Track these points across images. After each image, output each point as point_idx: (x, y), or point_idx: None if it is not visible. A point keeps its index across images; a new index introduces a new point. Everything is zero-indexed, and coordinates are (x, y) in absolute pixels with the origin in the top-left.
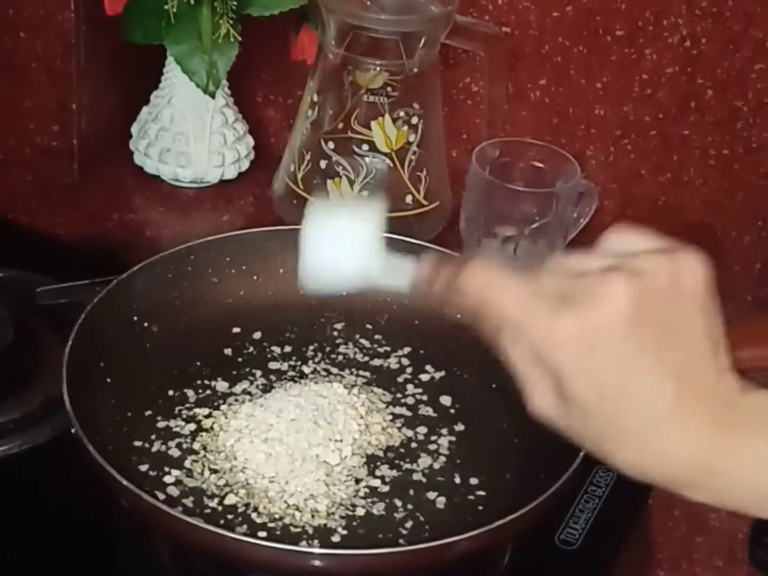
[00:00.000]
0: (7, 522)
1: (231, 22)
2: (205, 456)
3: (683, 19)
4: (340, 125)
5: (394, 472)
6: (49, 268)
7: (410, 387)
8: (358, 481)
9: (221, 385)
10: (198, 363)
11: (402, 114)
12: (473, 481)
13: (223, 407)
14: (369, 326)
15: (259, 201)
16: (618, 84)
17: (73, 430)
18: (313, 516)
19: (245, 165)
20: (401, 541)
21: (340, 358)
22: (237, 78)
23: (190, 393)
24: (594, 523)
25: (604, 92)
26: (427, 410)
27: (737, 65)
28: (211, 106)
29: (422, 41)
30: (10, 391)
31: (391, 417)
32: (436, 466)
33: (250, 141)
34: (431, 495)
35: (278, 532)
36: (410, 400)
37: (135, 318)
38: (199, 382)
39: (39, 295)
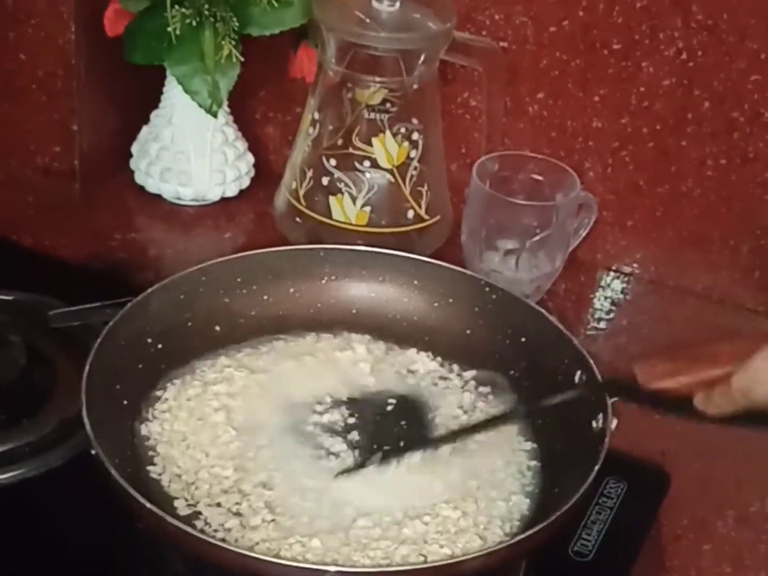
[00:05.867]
0: (24, 544)
1: (233, 42)
2: (225, 477)
3: (679, 32)
4: (341, 142)
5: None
6: (52, 289)
7: None
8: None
9: None
10: None
11: (402, 130)
12: None
13: None
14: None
15: (260, 218)
16: (615, 97)
17: (93, 452)
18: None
19: (246, 182)
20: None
21: None
22: (236, 96)
23: None
24: (606, 533)
25: (602, 105)
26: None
27: (733, 77)
28: (212, 125)
29: (422, 58)
30: (25, 415)
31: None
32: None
33: (251, 158)
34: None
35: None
36: None
37: (149, 340)
38: None
39: (51, 318)
